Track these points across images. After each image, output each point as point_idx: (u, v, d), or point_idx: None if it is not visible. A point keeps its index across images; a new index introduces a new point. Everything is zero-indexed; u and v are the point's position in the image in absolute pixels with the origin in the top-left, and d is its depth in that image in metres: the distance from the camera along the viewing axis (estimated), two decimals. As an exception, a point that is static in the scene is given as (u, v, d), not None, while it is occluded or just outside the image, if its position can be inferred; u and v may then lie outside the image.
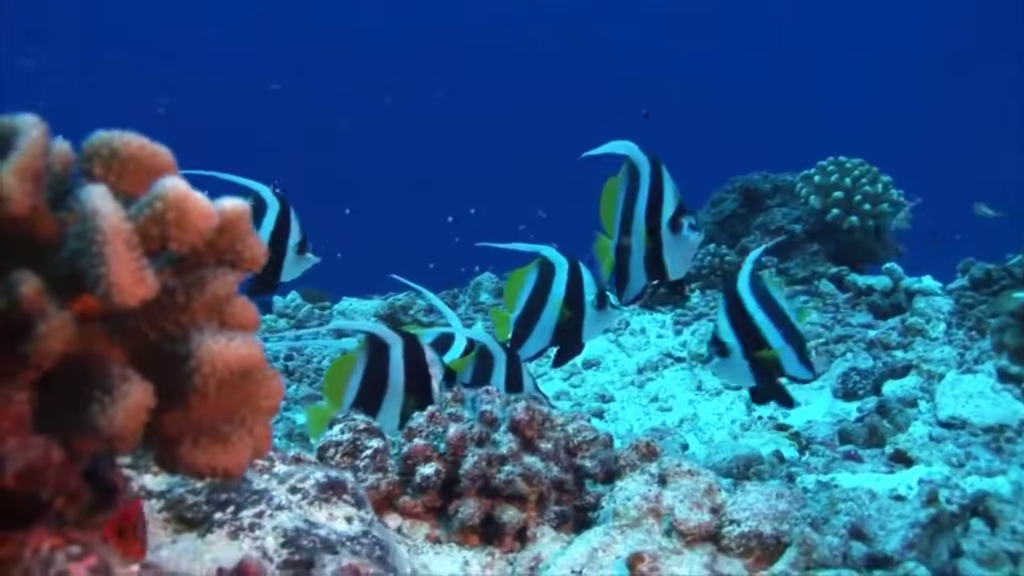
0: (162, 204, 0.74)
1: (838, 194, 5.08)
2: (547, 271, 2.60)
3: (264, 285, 2.78)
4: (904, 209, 4.98)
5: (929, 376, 3.60)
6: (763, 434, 3.22)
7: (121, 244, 0.71)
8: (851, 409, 3.48)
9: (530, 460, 1.58)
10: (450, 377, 2.28)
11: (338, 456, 1.59)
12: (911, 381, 3.61)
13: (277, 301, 5.39)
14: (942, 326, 4.22)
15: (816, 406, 3.65)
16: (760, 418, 3.57)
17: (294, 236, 2.66)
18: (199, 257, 0.82)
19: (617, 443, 3.54)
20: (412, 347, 2.25)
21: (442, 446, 1.58)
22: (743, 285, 2.49)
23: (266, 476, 1.36)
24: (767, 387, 2.53)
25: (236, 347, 0.75)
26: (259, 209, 2.66)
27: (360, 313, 4.93)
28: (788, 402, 2.57)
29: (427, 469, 1.56)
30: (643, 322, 4.78)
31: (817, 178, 5.18)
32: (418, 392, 2.23)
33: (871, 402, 3.39)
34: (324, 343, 4.52)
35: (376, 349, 2.24)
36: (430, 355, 2.27)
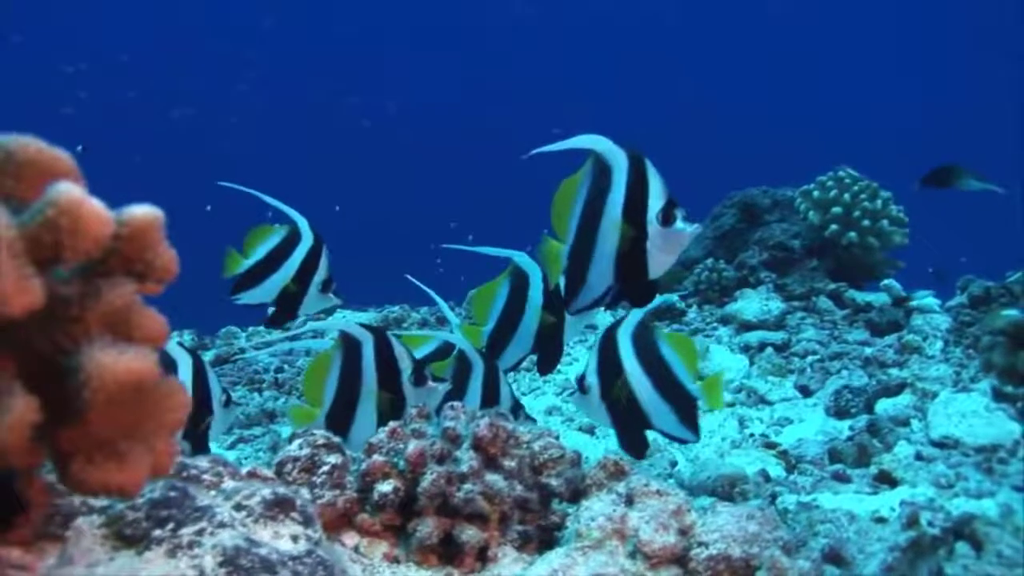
0: (54, 210, 0.71)
1: (837, 210, 5.04)
2: (520, 279, 2.60)
3: (282, 316, 2.79)
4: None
5: (923, 395, 3.55)
6: (751, 452, 3.17)
7: (3, 251, 0.67)
8: (843, 427, 3.43)
9: (492, 478, 1.54)
10: (419, 370, 2.29)
11: (295, 472, 1.55)
12: (905, 399, 3.56)
13: (271, 312, 5.35)
14: (939, 344, 4.17)
15: (808, 423, 3.61)
16: (751, 436, 3.53)
17: (321, 273, 2.69)
18: (105, 266, 0.78)
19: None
20: (381, 342, 2.27)
21: (401, 463, 1.54)
22: (624, 331, 2.45)
23: (213, 492, 1.33)
24: (626, 433, 2.49)
25: (127, 361, 0.71)
26: (293, 241, 2.68)
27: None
28: (637, 453, 2.52)
29: (385, 486, 1.52)
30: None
31: (816, 193, 5.14)
32: (390, 387, 2.25)
33: (863, 420, 3.34)
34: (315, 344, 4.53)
35: (349, 347, 2.26)
36: (399, 349, 2.28)
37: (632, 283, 2.20)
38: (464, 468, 1.53)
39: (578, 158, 2.25)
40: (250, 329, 5.28)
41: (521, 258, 2.61)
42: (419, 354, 2.50)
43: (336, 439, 1.60)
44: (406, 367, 2.28)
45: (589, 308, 2.25)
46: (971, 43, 15.64)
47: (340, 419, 2.30)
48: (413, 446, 1.54)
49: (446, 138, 15.83)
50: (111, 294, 0.75)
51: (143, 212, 0.79)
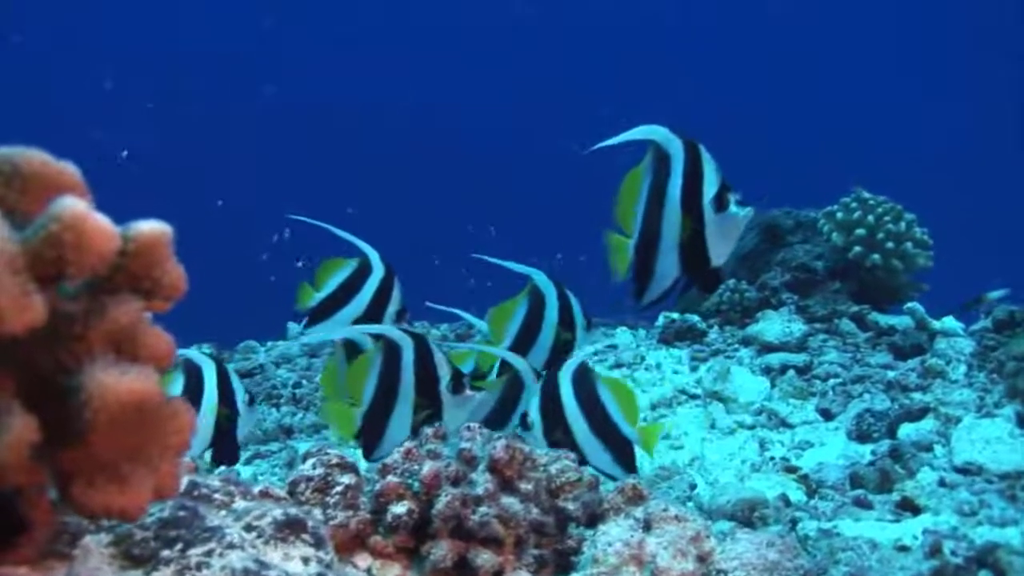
0: (58, 225, 0.69)
1: (861, 231, 5.00)
2: (537, 298, 2.65)
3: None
4: None
5: (946, 420, 3.50)
6: (771, 476, 3.14)
7: (4, 267, 0.65)
8: (865, 452, 3.39)
9: (508, 501, 1.52)
10: (458, 379, 2.36)
11: (308, 492, 1.54)
12: (927, 424, 3.51)
13: (291, 328, 5.35)
14: (963, 368, 4.12)
15: (830, 447, 3.57)
16: (772, 459, 3.49)
17: (394, 305, 2.71)
18: (111, 283, 0.76)
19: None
20: (421, 348, 2.33)
21: (416, 484, 1.52)
22: (565, 373, 2.48)
23: (223, 512, 1.31)
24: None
25: (130, 382, 0.69)
26: (364, 273, 2.70)
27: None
28: None
29: (399, 508, 1.50)
30: (659, 357, 4.71)
31: (840, 215, 5.10)
32: (427, 393, 2.32)
33: (885, 445, 3.30)
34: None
35: (390, 351, 2.33)
36: (438, 356, 2.35)
37: (697, 273, 2.21)
38: (479, 490, 1.50)
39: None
40: (269, 343, 5.27)
41: (539, 276, 2.67)
42: (466, 368, 2.59)
43: (350, 459, 1.59)
44: (444, 375, 2.34)
45: (659, 300, 2.27)
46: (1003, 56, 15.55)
47: (377, 420, 2.38)
48: (428, 467, 1.52)
49: (459, 140, 15.75)
50: (116, 312, 0.73)
51: (150, 228, 0.77)
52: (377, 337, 2.39)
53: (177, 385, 2.49)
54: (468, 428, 1.62)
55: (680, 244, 2.19)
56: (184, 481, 1.44)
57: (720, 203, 2.14)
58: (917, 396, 3.89)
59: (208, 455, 2.58)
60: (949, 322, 4.66)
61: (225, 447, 2.52)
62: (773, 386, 4.18)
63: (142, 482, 0.74)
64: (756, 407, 4.00)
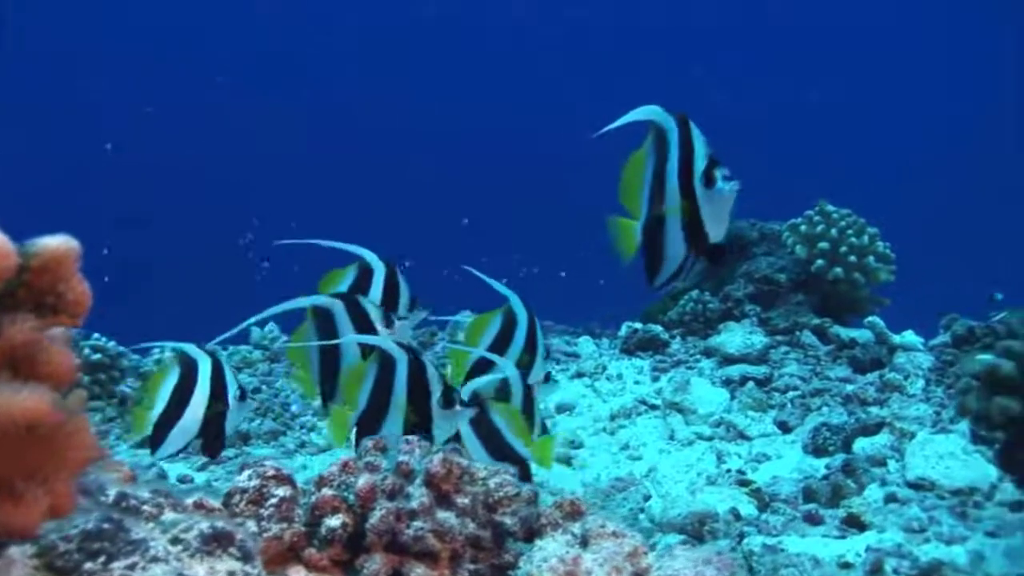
0: (-51, 242, 0.68)
1: (824, 245, 5.02)
2: (510, 319, 2.81)
3: (214, 446, 2.82)
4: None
5: (901, 435, 3.52)
6: (725, 489, 3.14)
7: None
8: (820, 465, 3.40)
9: (443, 515, 1.51)
10: (448, 394, 2.41)
11: (243, 503, 1.52)
12: (882, 439, 3.53)
13: (254, 332, 5.31)
14: (921, 383, 4.15)
15: (786, 460, 3.58)
16: (728, 471, 3.50)
17: (404, 296, 2.74)
18: (12, 300, 0.75)
19: (580, 491, 3.48)
20: (416, 363, 2.39)
21: (351, 497, 1.51)
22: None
23: (151, 524, 1.29)
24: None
25: (22, 401, 0.69)
26: (366, 275, 2.73)
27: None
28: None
29: (334, 521, 1.49)
30: (621, 367, 4.72)
31: (803, 228, 5.12)
32: (418, 405, 2.37)
33: (840, 459, 3.32)
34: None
35: (384, 362, 2.38)
36: (431, 371, 2.40)
37: (702, 250, 2.21)
38: (415, 504, 1.50)
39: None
40: (231, 348, 5.24)
41: (514, 300, 2.77)
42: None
43: (286, 471, 1.58)
44: (436, 390, 2.39)
45: (670, 281, 2.29)
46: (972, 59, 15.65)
47: (369, 426, 2.40)
48: (364, 480, 1.51)
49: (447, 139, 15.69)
50: (11, 330, 0.72)
51: (55, 244, 0.77)
52: (371, 348, 2.44)
53: (172, 377, 2.53)
54: (407, 441, 1.61)
55: (682, 223, 2.21)
56: (112, 492, 1.42)
57: (708, 179, 2.14)
58: (874, 410, 3.91)
59: (197, 444, 2.65)
60: (909, 336, 4.69)
61: (212, 439, 2.59)
62: (733, 398, 4.19)
63: (37, 500, 0.73)
64: (715, 419, 4.01)
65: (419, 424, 2.38)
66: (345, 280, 2.75)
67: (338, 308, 2.45)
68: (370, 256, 2.76)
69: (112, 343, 4.36)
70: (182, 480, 3.54)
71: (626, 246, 2.29)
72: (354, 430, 2.47)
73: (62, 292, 0.77)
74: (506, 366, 2.69)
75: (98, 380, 4.18)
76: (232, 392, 2.61)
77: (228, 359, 5.03)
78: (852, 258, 5.02)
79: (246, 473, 1.56)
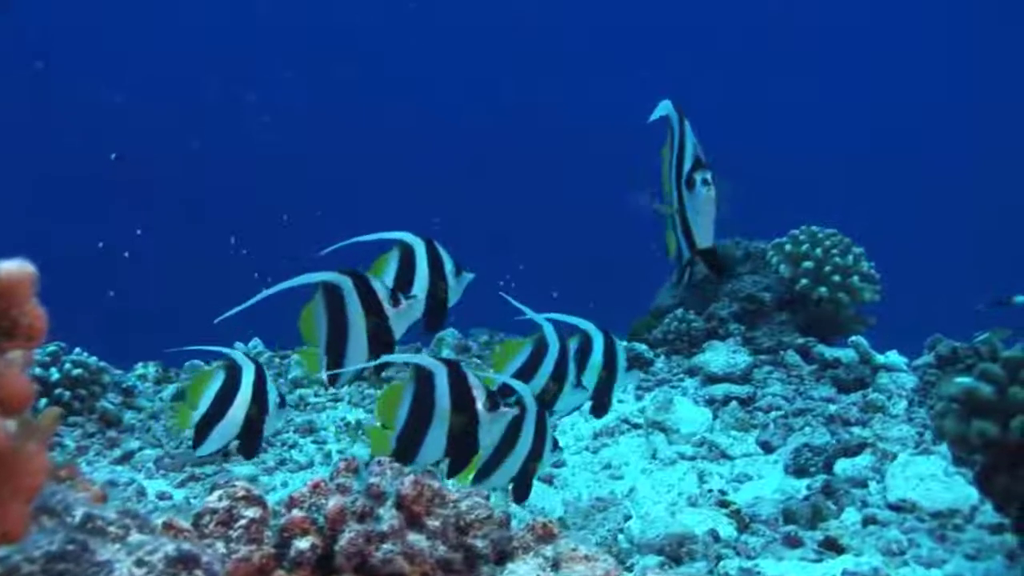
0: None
1: (808, 264, 5.02)
2: (542, 346, 2.83)
3: (436, 318, 2.85)
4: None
5: (883, 456, 3.52)
6: (704, 510, 3.13)
7: None
8: (801, 486, 3.40)
9: (414, 538, 1.50)
10: (492, 397, 2.44)
11: (212, 524, 1.51)
12: (864, 460, 3.53)
13: (238, 347, 5.30)
14: (903, 403, 4.15)
15: (768, 481, 3.58)
16: (710, 491, 3.50)
17: (448, 265, 2.73)
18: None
19: (560, 511, 3.46)
20: (456, 373, 2.42)
21: (321, 519, 1.50)
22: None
23: (116, 545, 1.28)
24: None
25: (-33, 427, 0.68)
26: (409, 254, 2.72)
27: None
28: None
29: (303, 543, 1.48)
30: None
31: (788, 247, 5.13)
32: (464, 413, 2.39)
33: (821, 480, 3.31)
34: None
35: (422, 377, 2.41)
36: (472, 379, 2.43)
37: (694, 253, 2.20)
38: (384, 527, 1.49)
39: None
40: (213, 363, 5.22)
41: (548, 328, 2.81)
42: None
43: (257, 491, 1.56)
44: (480, 395, 2.41)
45: (680, 281, 2.33)
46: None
47: (412, 440, 2.42)
48: (333, 502, 1.50)
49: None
50: (-39, 356, 0.72)
51: (9, 269, 0.76)
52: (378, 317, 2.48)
53: (218, 380, 2.68)
54: (378, 463, 1.60)
55: (676, 225, 2.21)
56: (79, 512, 1.41)
57: (689, 182, 2.14)
58: (857, 431, 3.91)
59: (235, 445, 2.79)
60: (893, 357, 4.70)
61: (250, 441, 2.73)
62: (715, 417, 4.19)
63: (-15, 528, 0.72)
64: (697, 438, 4.01)
65: (466, 433, 2.40)
66: (391, 263, 2.76)
67: (347, 285, 2.45)
68: (407, 236, 2.78)
69: (93, 359, 4.34)
70: (161, 496, 3.53)
71: (669, 242, 2.32)
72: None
73: (15, 317, 0.76)
74: (523, 391, 2.69)
75: (79, 395, 4.16)
76: (272, 398, 2.75)
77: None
78: (837, 278, 5.03)
79: (216, 493, 1.55)
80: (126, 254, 7.89)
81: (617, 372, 2.90)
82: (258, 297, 2.42)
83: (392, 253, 2.74)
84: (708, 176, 2.12)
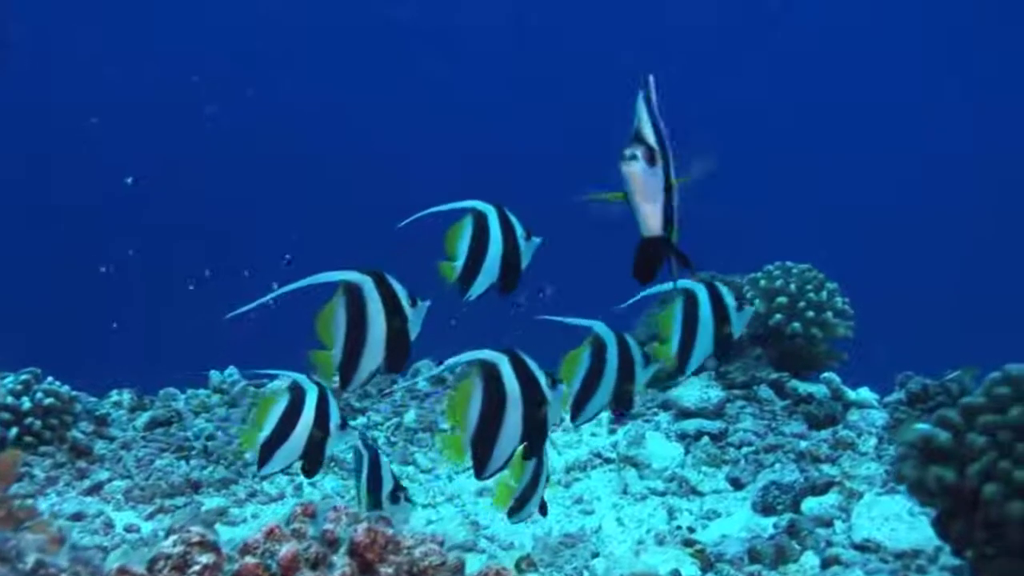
0: None
1: (782, 299, 5.05)
2: (599, 345, 2.76)
3: (511, 282, 2.87)
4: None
5: (849, 494, 3.54)
6: (670, 550, 3.15)
7: None
8: (768, 525, 3.42)
9: (367, 585, 1.51)
10: (551, 376, 2.43)
11: (167, 570, 1.52)
12: (831, 499, 3.55)
13: (214, 376, 5.30)
14: (873, 441, 4.18)
15: (736, 518, 3.60)
16: (679, 527, 3.52)
17: (518, 230, 2.75)
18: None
19: (529, 545, 3.48)
20: (519, 363, 2.39)
21: (274, 565, 1.51)
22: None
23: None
24: None
25: None
26: (482, 222, 2.73)
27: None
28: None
29: (255, 590, 1.49)
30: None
31: (763, 282, 5.15)
32: (534, 397, 2.37)
33: (787, 519, 3.33)
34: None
35: (488, 373, 2.37)
36: (532, 363, 2.40)
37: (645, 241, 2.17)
38: (336, 574, 1.50)
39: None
40: (189, 391, 5.23)
41: (599, 326, 2.75)
42: None
43: (211, 537, 1.57)
44: (542, 376, 2.40)
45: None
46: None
47: (484, 441, 2.39)
48: (287, 548, 1.52)
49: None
50: None
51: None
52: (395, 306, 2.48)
53: (282, 403, 2.70)
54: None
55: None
56: (31, 559, 1.42)
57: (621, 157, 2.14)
58: (826, 468, 3.93)
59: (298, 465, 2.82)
60: (864, 393, 4.73)
61: (311, 462, 2.76)
62: (687, 452, 4.21)
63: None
64: (668, 473, 4.03)
65: (539, 416, 2.39)
66: (465, 230, 2.78)
67: (367, 284, 2.43)
68: (478, 204, 2.80)
69: (66, 387, 4.33)
70: (129, 529, 3.52)
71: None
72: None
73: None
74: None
75: (50, 425, 4.16)
76: (334, 421, 2.78)
77: (186, 403, 5.03)
78: (810, 313, 5.05)
79: (171, 539, 1.56)
80: (102, 269, 7.86)
81: (636, 369, 2.87)
82: (275, 293, 2.37)
83: (466, 220, 2.75)
84: (631, 151, 1.92)
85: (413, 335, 2.51)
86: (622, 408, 2.80)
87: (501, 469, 2.39)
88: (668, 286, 2.64)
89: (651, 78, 2.04)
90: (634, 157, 1.91)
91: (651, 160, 1.90)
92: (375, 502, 2.76)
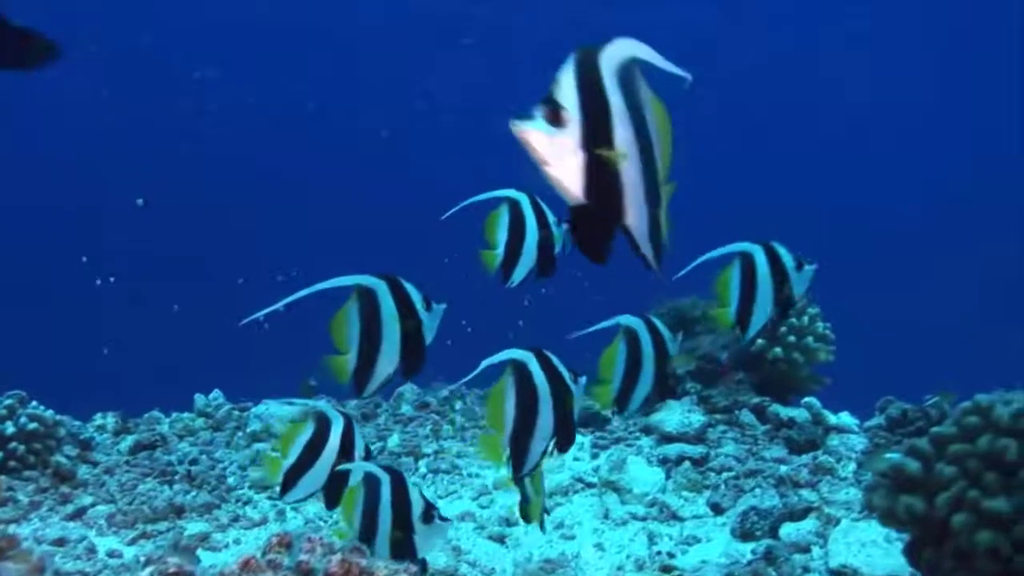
0: None
1: (763, 324, 5.09)
2: (632, 337, 2.78)
3: (548, 266, 2.89)
4: None
5: (827, 520, 3.57)
6: (649, 575, 3.17)
7: None
8: (746, 550, 3.45)
9: (339, 616, 1.54)
10: (573, 371, 2.47)
11: (142, 601, 1.55)
12: (809, 524, 3.58)
13: (198, 400, 5.32)
14: (852, 466, 4.21)
15: (715, 544, 3.62)
16: (658, 553, 3.54)
17: (551, 215, 2.81)
18: None
19: (510, 572, 3.50)
20: (545, 360, 2.43)
21: (249, 597, 1.54)
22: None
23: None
24: None
25: None
26: (518, 211, 2.80)
27: (276, 418, 4.87)
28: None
29: (230, 621, 1.52)
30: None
31: (745, 307, 5.19)
32: (564, 394, 2.41)
33: (765, 545, 3.36)
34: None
35: (519, 372, 2.41)
36: (556, 360, 2.44)
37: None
38: (310, 606, 1.52)
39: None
40: (173, 415, 5.24)
41: (627, 319, 2.79)
42: None
43: (188, 568, 1.60)
44: (565, 371, 2.44)
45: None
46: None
47: (521, 440, 2.42)
48: (261, 581, 1.54)
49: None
50: None
51: None
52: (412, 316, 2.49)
53: (308, 432, 2.71)
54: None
55: None
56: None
57: None
58: (805, 493, 3.96)
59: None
60: (844, 418, 4.77)
61: (334, 492, 2.76)
62: (668, 477, 4.23)
63: None
64: (650, 499, 4.05)
65: (569, 412, 2.44)
66: (502, 218, 2.81)
67: (381, 288, 2.44)
68: (511, 193, 2.83)
69: (50, 412, 4.35)
70: (111, 554, 3.53)
71: None
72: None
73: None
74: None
75: (34, 450, 4.17)
76: (359, 451, 2.80)
77: (171, 427, 5.04)
78: (792, 338, 5.10)
79: (148, 569, 1.59)
80: (98, 281, 7.88)
81: (669, 348, 2.85)
82: (290, 299, 2.33)
83: (502, 209, 2.78)
84: (526, 112, 1.69)
85: (429, 339, 2.50)
86: (666, 394, 2.75)
87: (536, 467, 2.43)
88: (726, 250, 2.70)
89: (650, 53, 1.77)
90: (524, 117, 1.68)
91: (555, 120, 1.66)
92: (402, 525, 2.62)
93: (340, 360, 2.41)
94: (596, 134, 1.64)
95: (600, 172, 1.64)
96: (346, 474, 2.74)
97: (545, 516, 2.78)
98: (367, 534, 2.53)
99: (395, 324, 2.41)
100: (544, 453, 2.41)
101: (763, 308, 2.71)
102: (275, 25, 15.85)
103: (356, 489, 2.56)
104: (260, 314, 2.33)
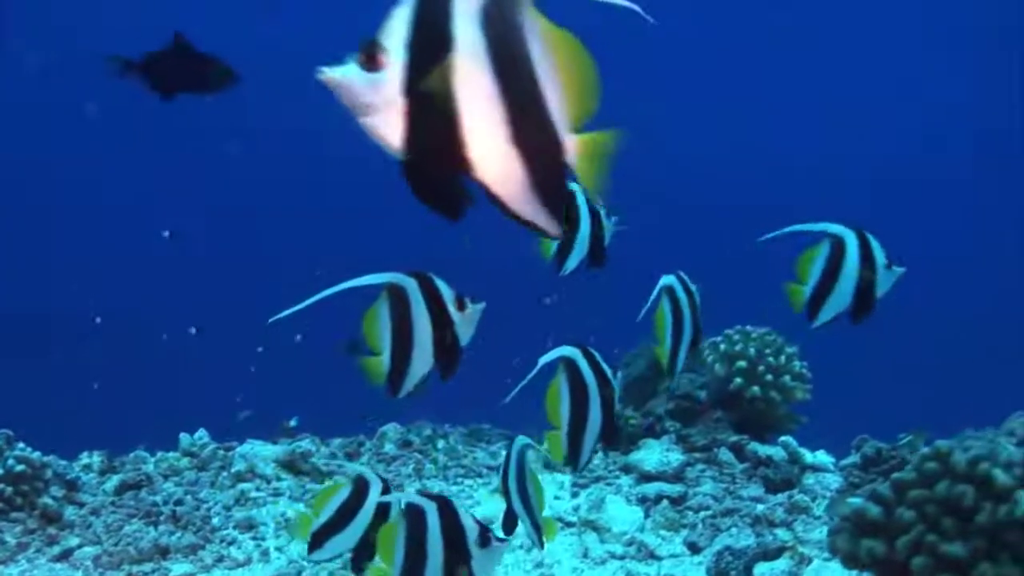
0: None
1: (741, 363, 5.18)
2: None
3: (599, 258, 2.94)
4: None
5: (800, 560, 3.64)
6: (623, 616, 3.24)
7: None
8: (721, 590, 3.52)
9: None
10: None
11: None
12: (782, 564, 3.65)
13: (183, 439, 5.36)
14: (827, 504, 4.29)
15: (691, 584, 3.70)
16: (637, 593, 3.61)
17: (603, 208, 2.88)
18: None
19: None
20: (590, 357, 2.51)
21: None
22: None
23: None
24: None
25: None
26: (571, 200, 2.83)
27: (260, 458, 4.92)
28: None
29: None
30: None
31: (723, 346, 5.29)
32: (607, 385, 2.51)
33: (738, 584, 3.43)
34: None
35: (572, 374, 2.49)
36: (599, 356, 2.52)
37: None
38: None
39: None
40: (159, 454, 5.29)
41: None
42: None
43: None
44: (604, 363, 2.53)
45: None
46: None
47: (575, 439, 2.52)
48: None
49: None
50: None
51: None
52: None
53: (343, 494, 2.73)
54: None
55: None
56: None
57: None
58: (780, 532, 4.04)
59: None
60: (820, 456, 4.86)
61: (362, 557, 2.75)
62: (647, 516, 4.31)
63: None
64: (628, 537, 4.12)
65: (613, 402, 2.53)
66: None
67: (412, 286, 2.38)
68: (579, 196, 2.90)
69: (37, 453, 4.41)
70: (99, 596, 3.59)
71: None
72: None
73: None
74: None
75: (21, 491, 4.23)
76: (393, 516, 2.71)
77: (156, 466, 5.09)
78: (769, 377, 5.19)
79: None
80: (97, 319, 7.95)
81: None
82: (318, 296, 2.24)
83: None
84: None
85: (465, 339, 2.42)
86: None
87: (590, 461, 2.50)
88: (818, 227, 2.72)
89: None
90: (335, 63, 1.40)
91: (370, 64, 1.37)
92: (459, 552, 2.32)
93: (374, 361, 2.35)
94: (424, 74, 1.35)
95: (429, 118, 1.35)
96: (373, 545, 2.60)
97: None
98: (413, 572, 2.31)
99: (426, 324, 2.34)
100: (594, 449, 2.52)
101: (841, 297, 2.71)
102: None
103: (396, 522, 2.33)
104: (286, 313, 2.26)
